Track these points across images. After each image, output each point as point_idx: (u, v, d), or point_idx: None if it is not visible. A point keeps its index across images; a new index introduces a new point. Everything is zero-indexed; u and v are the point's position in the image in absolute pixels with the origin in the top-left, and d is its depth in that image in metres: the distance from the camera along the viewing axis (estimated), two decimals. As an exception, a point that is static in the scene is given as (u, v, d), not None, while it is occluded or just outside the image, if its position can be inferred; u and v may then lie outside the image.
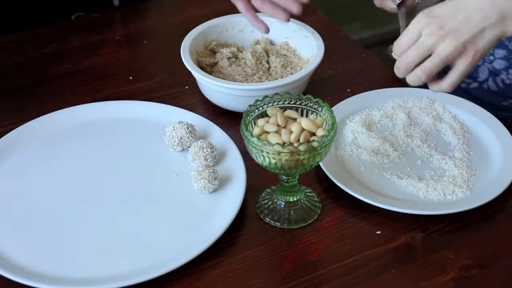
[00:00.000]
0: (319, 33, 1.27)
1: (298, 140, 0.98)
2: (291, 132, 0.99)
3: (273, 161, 0.97)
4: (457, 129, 1.18)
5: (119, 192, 1.09)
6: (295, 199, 1.06)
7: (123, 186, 1.10)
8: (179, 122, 1.14)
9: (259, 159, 0.99)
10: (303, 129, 0.99)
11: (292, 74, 1.23)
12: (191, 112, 1.20)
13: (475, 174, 1.10)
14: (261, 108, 1.03)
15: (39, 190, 1.10)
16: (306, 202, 1.06)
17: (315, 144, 0.96)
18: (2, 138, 1.17)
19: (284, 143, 0.98)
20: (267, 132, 1.00)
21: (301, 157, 0.96)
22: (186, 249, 1.00)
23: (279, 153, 0.95)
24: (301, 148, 0.95)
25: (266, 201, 1.07)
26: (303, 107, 1.03)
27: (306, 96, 1.03)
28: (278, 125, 1.01)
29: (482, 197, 1.05)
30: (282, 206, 1.06)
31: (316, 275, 0.98)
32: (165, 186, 1.09)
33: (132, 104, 1.23)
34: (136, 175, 1.12)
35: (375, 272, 0.98)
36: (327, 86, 1.29)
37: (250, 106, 1.01)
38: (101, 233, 1.03)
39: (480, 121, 1.18)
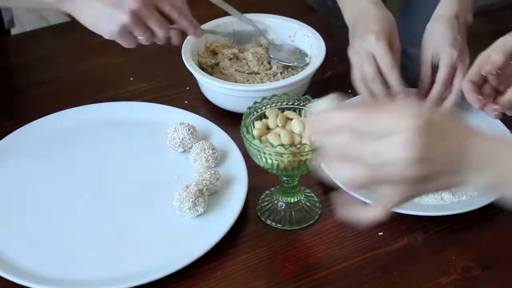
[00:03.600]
0: (320, 33, 1.27)
1: (300, 141, 0.98)
2: (292, 133, 0.99)
3: (275, 162, 0.96)
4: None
5: (120, 193, 1.09)
6: (295, 200, 1.06)
7: (124, 188, 1.10)
8: (180, 124, 1.14)
9: (260, 162, 0.98)
10: (303, 129, 0.99)
11: (293, 75, 1.23)
12: (192, 113, 1.20)
13: (477, 175, 1.10)
14: (260, 110, 1.02)
15: (40, 192, 1.09)
16: (306, 203, 1.06)
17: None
18: (2, 140, 1.16)
19: (284, 144, 0.97)
20: (267, 133, 0.99)
21: (304, 158, 0.96)
22: (187, 251, 1.00)
23: (281, 154, 0.95)
24: (304, 149, 0.95)
25: (266, 203, 1.07)
26: (302, 107, 1.03)
27: (304, 97, 1.02)
28: (278, 126, 1.00)
29: (484, 198, 1.05)
30: (283, 207, 1.06)
31: (318, 276, 0.98)
32: (166, 187, 1.09)
33: (133, 105, 1.22)
34: (137, 177, 1.11)
35: (377, 274, 0.98)
36: (328, 87, 1.28)
37: (249, 108, 1.01)
38: (102, 235, 1.03)
39: (483, 122, 1.18)
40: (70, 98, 1.27)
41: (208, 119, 1.19)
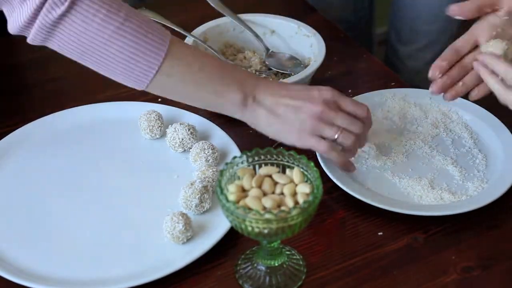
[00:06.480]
0: (320, 33, 1.27)
1: (282, 203, 0.90)
2: (273, 193, 0.91)
3: (256, 230, 0.87)
4: (459, 131, 1.18)
5: (120, 193, 1.09)
6: (278, 263, 0.97)
7: (124, 188, 1.10)
8: (180, 124, 1.14)
9: (244, 231, 0.89)
10: (282, 190, 0.91)
11: (293, 75, 1.23)
12: (192, 113, 1.19)
13: (477, 176, 1.10)
14: (231, 170, 0.93)
15: (39, 192, 1.09)
16: (290, 266, 0.98)
17: (305, 205, 0.87)
18: (1, 140, 1.16)
19: (265, 207, 0.89)
20: (244, 196, 0.91)
21: (293, 222, 0.87)
22: (188, 250, 1.00)
23: (269, 221, 0.86)
24: (294, 212, 0.87)
25: (245, 266, 0.99)
26: (276, 161, 0.94)
27: (277, 151, 0.94)
28: (252, 187, 0.92)
29: (484, 198, 1.05)
30: (263, 271, 0.97)
31: (318, 276, 0.98)
32: (166, 187, 1.09)
33: (133, 105, 1.22)
34: (137, 177, 1.11)
35: (377, 274, 0.98)
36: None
37: (221, 171, 0.92)
38: (102, 235, 1.03)
39: (483, 123, 1.18)
40: (70, 98, 1.27)
41: (208, 119, 1.19)
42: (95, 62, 1.01)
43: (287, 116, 1.02)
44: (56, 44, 1.00)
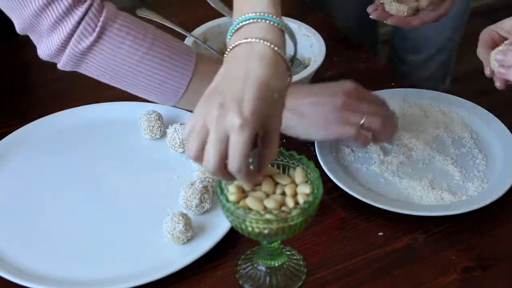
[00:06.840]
0: (320, 33, 1.27)
1: (282, 203, 0.89)
2: (274, 194, 0.90)
3: (256, 230, 0.87)
4: (459, 131, 1.18)
5: (120, 193, 1.09)
6: (278, 263, 0.97)
7: (124, 188, 1.10)
8: (180, 124, 1.14)
9: (244, 231, 0.89)
10: (283, 190, 0.90)
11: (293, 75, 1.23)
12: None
13: (477, 176, 1.10)
14: None
15: (39, 192, 1.09)
16: (290, 266, 0.98)
17: (305, 205, 0.87)
18: (1, 140, 1.16)
19: (265, 208, 0.88)
20: (244, 197, 0.90)
21: (293, 222, 0.87)
22: (188, 250, 1.00)
23: (270, 221, 0.86)
24: (295, 212, 0.86)
25: (245, 267, 0.98)
26: (277, 162, 0.93)
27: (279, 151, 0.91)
28: (252, 187, 0.91)
29: (484, 198, 1.05)
30: (263, 271, 0.97)
31: (318, 276, 0.98)
32: (166, 187, 1.09)
33: (133, 105, 1.22)
34: (137, 177, 1.11)
35: (377, 274, 0.98)
36: (328, 87, 1.29)
37: None
38: (102, 235, 1.03)
39: (483, 123, 1.18)
40: (70, 98, 1.27)
41: (208, 119, 1.18)
42: (125, 85, 1.07)
43: (311, 114, 1.05)
44: (86, 70, 1.05)
